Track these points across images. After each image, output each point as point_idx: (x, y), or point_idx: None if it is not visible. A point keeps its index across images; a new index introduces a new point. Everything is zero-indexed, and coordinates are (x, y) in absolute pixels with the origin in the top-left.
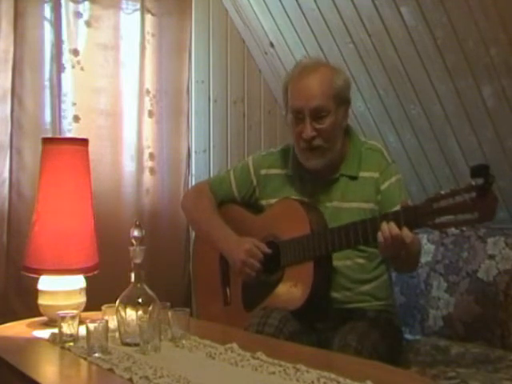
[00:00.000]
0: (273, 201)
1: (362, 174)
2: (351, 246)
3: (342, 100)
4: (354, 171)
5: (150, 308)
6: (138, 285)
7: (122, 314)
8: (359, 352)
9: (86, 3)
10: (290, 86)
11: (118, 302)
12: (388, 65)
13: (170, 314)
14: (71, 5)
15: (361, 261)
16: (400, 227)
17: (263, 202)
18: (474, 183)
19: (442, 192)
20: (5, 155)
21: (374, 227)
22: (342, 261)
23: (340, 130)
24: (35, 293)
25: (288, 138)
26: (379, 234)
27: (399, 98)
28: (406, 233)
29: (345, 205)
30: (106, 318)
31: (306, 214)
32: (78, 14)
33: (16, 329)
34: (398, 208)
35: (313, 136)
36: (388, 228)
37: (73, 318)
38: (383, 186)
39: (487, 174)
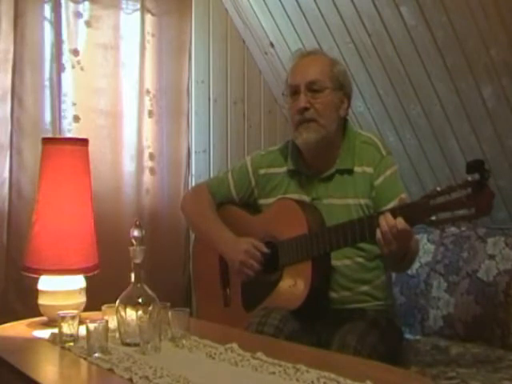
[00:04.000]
0: (271, 200)
1: (357, 168)
2: (348, 245)
3: (339, 84)
4: (348, 165)
5: (150, 308)
6: (138, 285)
7: (122, 313)
8: (359, 352)
9: (86, 3)
10: (290, 68)
11: (117, 302)
12: (388, 65)
13: (170, 314)
14: (71, 5)
15: (360, 260)
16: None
17: (262, 202)
18: (470, 179)
19: (439, 188)
20: (5, 155)
21: (371, 225)
22: (342, 260)
23: (335, 112)
24: (35, 293)
25: (288, 138)
26: (378, 231)
27: (399, 97)
28: (399, 220)
29: (341, 201)
30: (106, 318)
31: (303, 213)
32: (78, 14)
33: (16, 329)
34: (393, 204)
35: (306, 107)
36: (385, 221)
37: (73, 318)
38: (377, 182)
39: (483, 169)
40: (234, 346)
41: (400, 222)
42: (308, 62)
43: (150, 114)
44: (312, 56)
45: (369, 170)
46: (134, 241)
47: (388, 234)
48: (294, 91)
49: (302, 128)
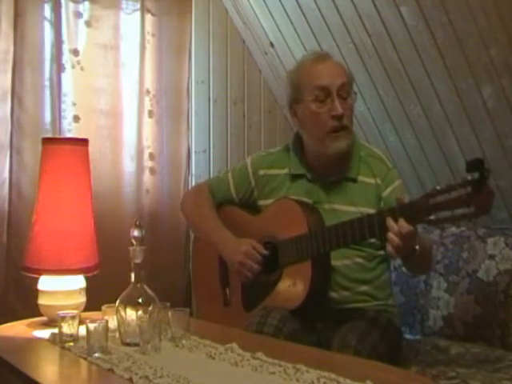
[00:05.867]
0: (271, 201)
1: (362, 178)
2: (348, 244)
3: (352, 88)
4: (353, 173)
5: (150, 308)
6: (138, 285)
7: (122, 313)
8: (359, 352)
9: (86, 3)
10: (308, 70)
11: (117, 302)
12: (388, 65)
13: (170, 314)
14: (71, 5)
15: (360, 260)
16: (396, 222)
17: (261, 203)
18: (469, 178)
19: (438, 187)
20: (5, 155)
21: (371, 224)
22: (341, 260)
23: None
24: (35, 293)
25: (288, 138)
26: (389, 234)
27: (399, 97)
28: (401, 224)
29: (344, 208)
30: (106, 318)
31: (302, 213)
32: (78, 14)
33: (16, 329)
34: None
35: (343, 113)
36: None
37: (73, 318)
38: (385, 193)
39: (482, 168)
40: (234, 346)
41: (403, 227)
42: (331, 63)
43: (150, 114)
44: (330, 59)
45: (376, 181)
46: (133, 241)
47: (395, 241)
48: (323, 94)
49: (334, 136)
